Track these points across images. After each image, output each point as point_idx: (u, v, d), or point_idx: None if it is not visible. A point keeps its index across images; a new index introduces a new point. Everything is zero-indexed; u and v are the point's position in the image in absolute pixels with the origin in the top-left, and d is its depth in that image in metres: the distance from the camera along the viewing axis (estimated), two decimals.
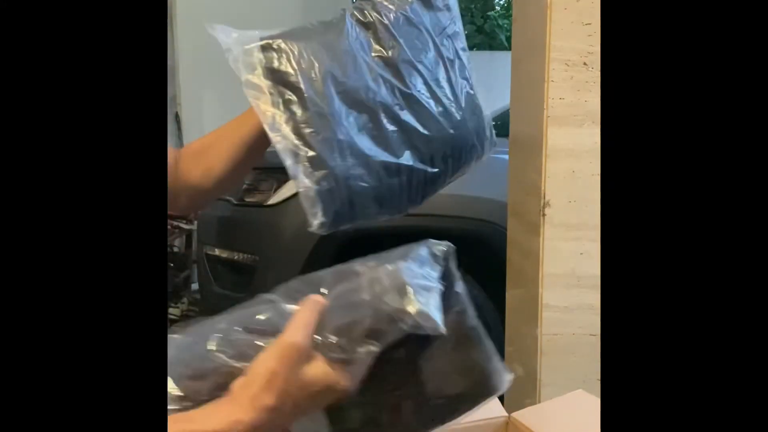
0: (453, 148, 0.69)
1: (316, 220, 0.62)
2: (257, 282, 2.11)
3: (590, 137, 1.28)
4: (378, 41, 0.67)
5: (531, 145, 1.37)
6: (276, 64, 0.63)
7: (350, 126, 0.63)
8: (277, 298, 0.54)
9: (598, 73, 1.23)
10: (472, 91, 0.71)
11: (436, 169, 0.67)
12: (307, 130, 0.62)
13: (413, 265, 0.53)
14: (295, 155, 0.61)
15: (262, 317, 0.52)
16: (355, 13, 0.67)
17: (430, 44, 0.69)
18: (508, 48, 1.68)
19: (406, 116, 0.66)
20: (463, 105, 0.70)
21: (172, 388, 0.49)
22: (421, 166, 0.66)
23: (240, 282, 2.24)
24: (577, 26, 1.27)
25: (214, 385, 0.50)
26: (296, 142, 0.62)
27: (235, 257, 2.27)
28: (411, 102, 0.66)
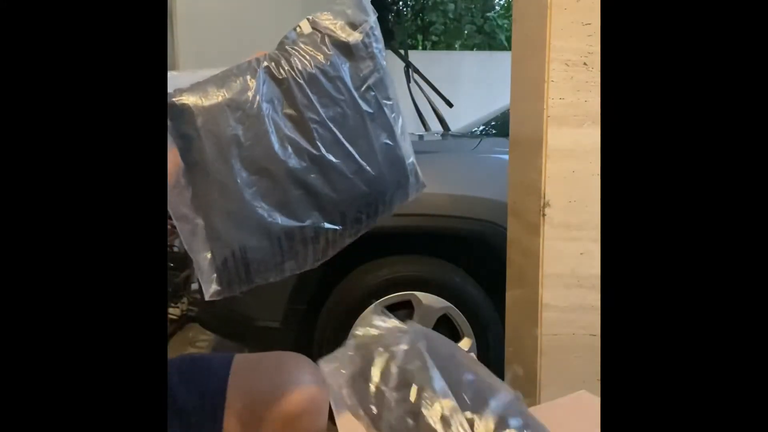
0: (367, 204, 0.66)
1: (210, 289, 0.61)
2: None
3: (590, 137, 1.28)
4: (289, 99, 0.63)
5: (531, 145, 1.37)
6: (182, 126, 0.60)
7: (251, 194, 0.61)
8: None
9: (598, 73, 1.23)
10: (391, 143, 0.68)
11: (347, 228, 0.65)
12: (206, 200, 0.60)
13: None
14: (193, 227, 0.61)
15: None
16: (270, 66, 0.64)
17: (348, 99, 0.65)
18: (508, 48, 1.68)
19: (314, 179, 0.63)
20: (380, 159, 0.66)
21: None
22: (329, 226, 0.64)
23: None
24: (577, 26, 1.27)
25: None
26: (193, 213, 0.61)
27: None
28: (320, 164, 0.63)
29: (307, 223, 0.62)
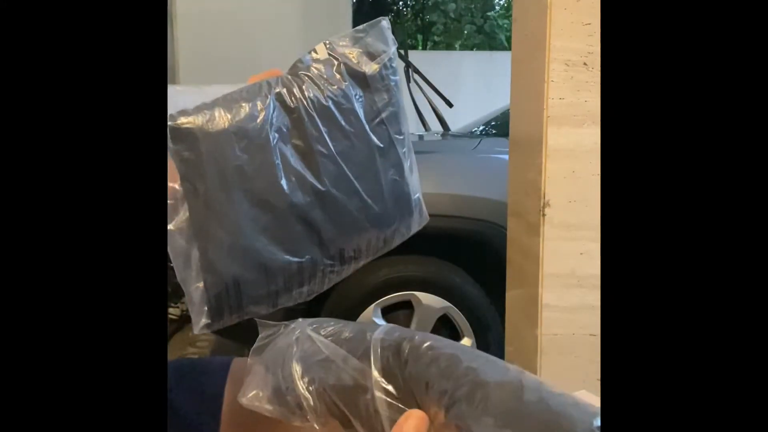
0: (368, 241, 0.63)
1: (201, 322, 0.59)
2: None
3: (590, 137, 1.28)
4: (299, 130, 0.60)
5: (531, 145, 1.37)
6: (184, 150, 0.58)
7: (251, 227, 0.59)
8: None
9: (598, 73, 1.23)
10: (399, 179, 0.64)
11: (344, 264, 0.62)
12: (202, 229, 0.59)
13: None
14: (187, 256, 0.59)
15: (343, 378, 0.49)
16: (282, 93, 0.61)
17: (359, 133, 0.63)
18: (508, 48, 1.68)
19: (316, 215, 0.60)
20: (386, 196, 0.63)
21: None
22: (328, 262, 0.61)
23: None
24: (577, 26, 1.27)
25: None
26: (188, 242, 0.59)
27: None
28: (324, 200, 0.60)
29: (306, 258, 0.60)
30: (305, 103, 0.60)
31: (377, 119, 0.63)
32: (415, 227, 0.68)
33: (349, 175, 0.61)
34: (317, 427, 0.49)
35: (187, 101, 0.61)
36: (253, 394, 0.52)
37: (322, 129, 0.61)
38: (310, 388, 0.49)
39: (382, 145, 0.63)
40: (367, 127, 0.63)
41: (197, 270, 0.59)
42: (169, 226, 0.59)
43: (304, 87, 0.61)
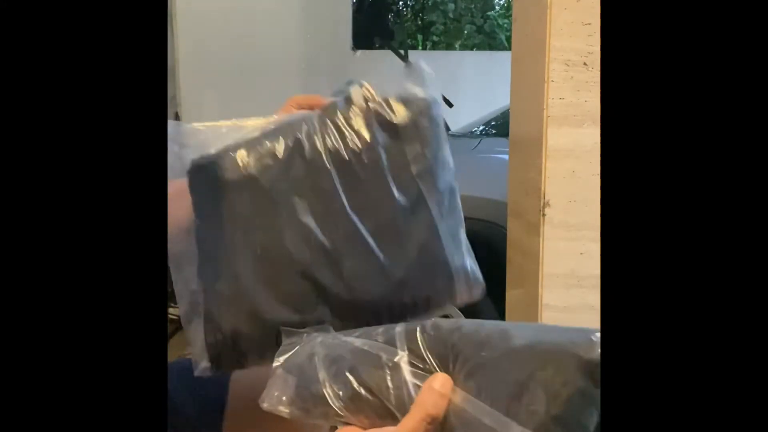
0: (390, 305, 0.57)
1: (201, 365, 0.59)
2: None
3: (590, 137, 1.28)
4: (313, 182, 0.57)
5: (531, 145, 1.37)
6: (203, 188, 0.57)
7: (253, 280, 0.56)
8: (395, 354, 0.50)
9: (598, 73, 1.22)
10: (431, 243, 0.58)
11: (362, 326, 0.57)
12: (206, 274, 0.58)
13: None
14: (193, 305, 0.59)
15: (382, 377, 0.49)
16: (302, 140, 0.57)
17: (383, 187, 0.57)
18: (508, 48, 1.68)
19: (323, 273, 0.56)
20: (410, 261, 0.57)
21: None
22: (338, 322, 0.57)
23: None
24: (577, 26, 1.26)
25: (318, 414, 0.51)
26: (197, 284, 0.59)
27: None
28: (334, 259, 0.56)
29: (311, 316, 0.56)
30: (324, 155, 0.56)
31: (406, 174, 0.57)
32: (464, 296, 0.62)
33: (364, 234, 0.56)
34: (342, 414, 0.49)
35: (206, 138, 0.59)
36: (275, 397, 0.53)
37: (338, 183, 0.56)
38: (335, 382, 0.50)
39: (407, 203, 0.57)
40: (391, 182, 0.57)
41: (199, 314, 0.58)
42: (183, 260, 0.58)
43: (327, 136, 0.57)
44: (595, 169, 1.29)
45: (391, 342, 0.49)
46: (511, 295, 1.55)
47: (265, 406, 0.53)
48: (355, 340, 0.52)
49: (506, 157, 1.57)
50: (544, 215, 1.32)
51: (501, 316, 1.64)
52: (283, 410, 0.52)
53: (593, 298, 1.31)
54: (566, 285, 1.33)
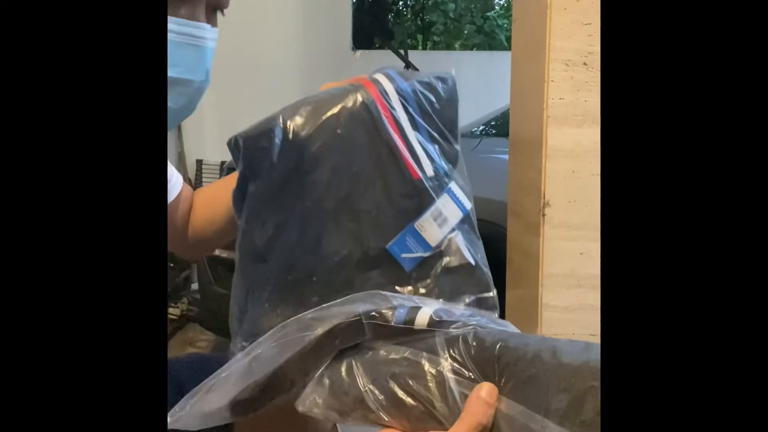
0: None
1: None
2: None
3: (590, 137, 1.28)
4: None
5: (531, 145, 1.37)
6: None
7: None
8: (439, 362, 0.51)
9: (598, 73, 1.22)
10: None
11: None
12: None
13: None
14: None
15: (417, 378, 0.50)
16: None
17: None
18: (508, 48, 1.68)
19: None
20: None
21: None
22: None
23: None
24: (577, 26, 1.27)
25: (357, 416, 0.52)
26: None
27: None
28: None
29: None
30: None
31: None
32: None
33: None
34: (384, 418, 0.50)
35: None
36: (310, 400, 0.53)
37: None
38: (375, 387, 0.51)
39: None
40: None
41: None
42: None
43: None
44: (595, 169, 1.29)
45: (432, 350, 0.50)
46: (511, 295, 1.55)
47: (300, 408, 0.54)
48: (392, 347, 0.52)
49: (506, 157, 1.57)
50: (544, 215, 1.32)
51: (501, 316, 1.64)
52: (318, 412, 0.53)
53: (593, 298, 1.31)
54: (566, 285, 1.33)
